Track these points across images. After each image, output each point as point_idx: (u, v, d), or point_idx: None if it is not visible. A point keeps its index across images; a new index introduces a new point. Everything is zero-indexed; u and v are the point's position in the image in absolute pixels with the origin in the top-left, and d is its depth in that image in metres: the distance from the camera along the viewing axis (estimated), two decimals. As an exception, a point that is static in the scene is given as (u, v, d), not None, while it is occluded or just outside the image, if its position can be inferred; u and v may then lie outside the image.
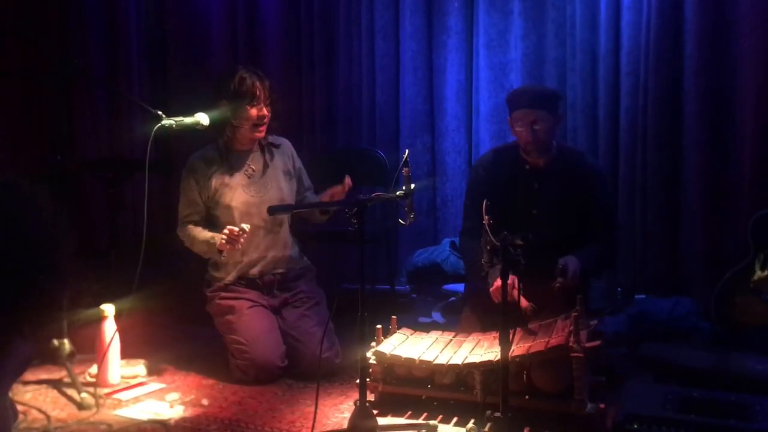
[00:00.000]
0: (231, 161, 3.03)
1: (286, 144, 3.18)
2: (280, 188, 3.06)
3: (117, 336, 2.88)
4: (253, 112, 2.95)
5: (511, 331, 2.56)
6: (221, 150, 3.03)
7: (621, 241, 3.23)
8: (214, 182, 3.01)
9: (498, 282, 2.72)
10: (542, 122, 2.86)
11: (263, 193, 3.03)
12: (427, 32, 4.23)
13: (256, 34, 4.60)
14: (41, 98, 4.62)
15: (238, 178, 3.02)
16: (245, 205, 3.00)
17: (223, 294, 3.03)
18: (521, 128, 2.88)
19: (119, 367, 2.92)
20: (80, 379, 2.83)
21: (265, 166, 3.06)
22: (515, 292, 2.66)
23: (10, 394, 0.96)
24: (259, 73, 3.00)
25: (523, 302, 2.68)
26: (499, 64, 4.06)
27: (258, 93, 2.94)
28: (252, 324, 2.94)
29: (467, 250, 3.09)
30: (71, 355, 2.84)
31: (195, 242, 2.97)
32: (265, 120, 2.99)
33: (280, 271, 3.07)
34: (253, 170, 3.05)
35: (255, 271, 3.03)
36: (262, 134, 3.02)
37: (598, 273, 3.06)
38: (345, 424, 2.35)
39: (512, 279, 2.70)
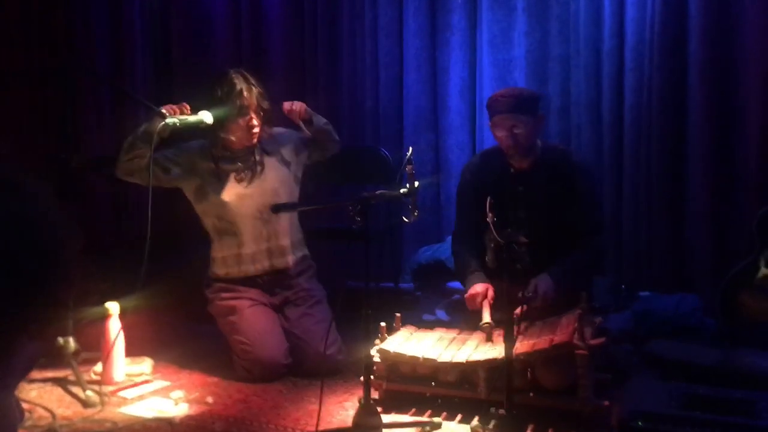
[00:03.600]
0: (224, 158, 3.00)
1: (278, 133, 3.11)
2: (276, 178, 3.03)
3: (122, 334, 2.89)
4: (242, 122, 2.90)
5: (516, 328, 2.58)
6: (215, 148, 2.99)
7: (604, 247, 3.18)
8: (202, 172, 2.98)
9: (472, 289, 2.77)
10: (522, 126, 2.84)
11: (257, 184, 3.00)
12: (431, 30, 4.22)
13: (259, 32, 4.60)
14: (47, 97, 4.63)
15: (231, 173, 2.99)
16: (239, 197, 2.98)
17: (224, 294, 3.02)
18: (501, 134, 2.88)
19: (124, 365, 2.93)
20: (85, 377, 2.84)
21: (260, 161, 3.02)
22: (484, 302, 2.69)
23: (16, 393, 0.97)
24: (249, 79, 2.92)
25: (487, 317, 2.65)
26: (503, 61, 4.05)
27: (246, 103, 2.88)
28: (254, 323, 2.95)
29: (454, 254, 3.11)
30: (76, 353, 2.85)
31: (132, 135, 2.84)
32: (255, 129, 2.94)
33: (281, 261, 3.05)
34: (246, 167, 3.01)
35: (256, 265, 3.02)
36: (254, 140, 2.97)
37: (580, 284, 3.01)
38: (349, 422, 2.35)
39: (485, 288, 2.73)
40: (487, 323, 2.63)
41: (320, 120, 3.08)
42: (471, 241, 2.93)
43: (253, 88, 2.92)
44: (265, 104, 2.96)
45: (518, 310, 2.61)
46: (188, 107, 2.83)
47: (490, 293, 2.75)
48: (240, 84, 2.89)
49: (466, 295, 2.80)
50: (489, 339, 2.62)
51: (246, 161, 3.01)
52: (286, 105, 3.01)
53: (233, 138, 2.94)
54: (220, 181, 2.98)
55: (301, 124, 3.04)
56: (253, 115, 2.92)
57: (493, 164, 3.02)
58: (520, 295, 2.63)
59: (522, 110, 2.85)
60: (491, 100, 2.94)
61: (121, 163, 2.89)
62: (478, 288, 2.77)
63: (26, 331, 0.86)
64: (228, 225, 3.00)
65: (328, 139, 3.14)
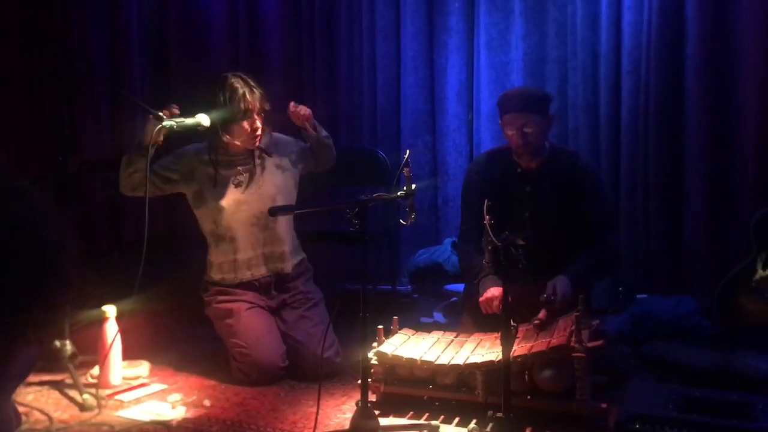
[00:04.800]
0: (222, 162, 2.99)
1: (276, 139, 3.11)
2: (273, 184, 3.03)
3: (119, 337, 2.88)
4: (246, 126, 2.90)
5: (537, 333, 2.58)
6: (214, 151, 2.98)
7: (618, 244, 3.19)
8: (200, 177, 2.97)
9: (487, 293, 2.75)
10: (533, 125, 2.84)
11: (255, 190, 2.99)
12: (428, 32, 4.23)
13: (257, 34, 4.61)
14: (44, 100, 4.63)
15: (229, 178, 2.98)
16: (236, 203, 2.97)
17: (220, 297, 3.01)
18: (512, 132, 2.87)
19: (121, 368, 2.93)
20: (82, 380, 2.83)
21: (259, 165, 3.02)
22: (500, 305, 2.68)
23: (13, 397, 0.96)
24: (249, 82, 2.91)
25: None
26: (500, 64, 4.06)
27: (249, 106, 2.87)
28: (251, 326, 2.94)
29: (462, 253, 3.11)
30: (73, 356, 2.84)
31: (128, 151, 2.85)
32: (258, 132, 2.93)
33: (278, 267, 3.05)
34: (245, 171, 3.00)
35: (252, 271, 3.01)
36: (257, 143, 2.97)
37: (594, 283, 3.01)
38: (347, 425, 2.36)
39: (501, 291, 2.72)
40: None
41: (323, 131, 3.08)
42: (478, 240, 2.92)
43: (255, 90, 2.91)
44: (267, 106, 2.96)
45: (541, 314, 2.61)
46: (177, 109, 2.83)
47: (503, 296, 2.71)
48: (241, 88, 2.88)
49: (481, 299, 2.76)
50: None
51: (245, 165, 3.01)
52: (293, 105, 2.99)
53: (237, 142, 2.93)
54: (218, 186, 2.97)
55: (306, 125, 3.02)
56: (257, 118, 2.92)
57: (500, 164, 3.01)
58: (541, 299, 2.63)
59: (533, 109, 2.86)
60: (502, 99, 2.94)
61: (122, 180, 2.90)
62: (495, 292, 2.73)
63: (23, 336, 0.85)
64: (224, 231, 2.99)
65: (325, 153, 3.13)
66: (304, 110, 2.99)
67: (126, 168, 2.87)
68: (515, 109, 2.85)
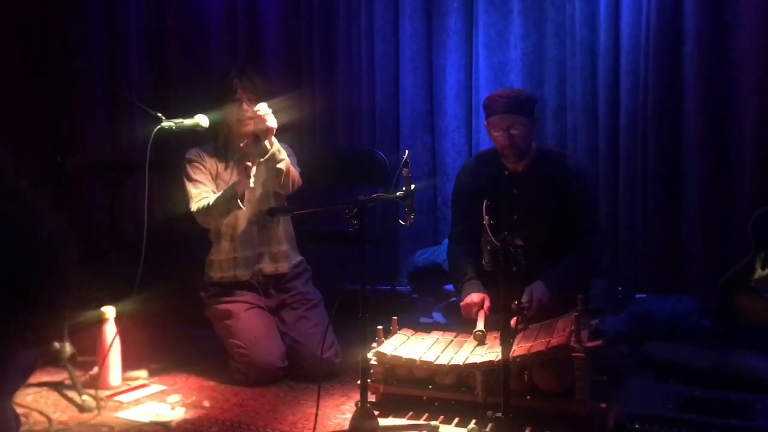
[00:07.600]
0: (226, 158, 3.03)
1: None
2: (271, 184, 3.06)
3: (118, 338, 2.88)
4: (234, 108, 2.94)
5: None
6: (217, 148, 3.03)
7: (601, 245, 3.16)
8: (213, 173, 3.03)
9: (468, 298, 2.79)
10: (519, 127, 2.84)
11: (255, 189, 3.01)
12: (427, 32, 4.23)
13: (255, 34, 4.61)
14: (42, 100, 4.63)
15: (232, 175, 3.02)
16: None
17: (220, 298, 3.03)
18: (498, 134, 2.88)
19: (120, 369, 2.93)
20: (81, 381, 2.83)
21: (257, 164, 3.04)
22: (480, 312, 2.70)
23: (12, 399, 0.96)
24: (246, 71, 3.00)
25: (481, 325, 2.66)
26: (499, 64, 4.06)
27: (236, 89, 2.93)
28: (250, 326, 2.95)
29: (451, 255, 3.12)
30: (72, 357, 2.84)
31: (214, 204, 2.87)
32: (247, 114, 2.94)
33: (275, 267, 3.06)
34: (246, 168, 3.03)
35: (251, 269, 3.02)
36: (249, 128, 2.97)
37: (576, 286, 2.99)
38: (346, 425, 2.35)
39: (481, 298, 2.74)
40: (480, 331, 2.64)
41: (279, 162, 2.88)
42: (467, 243, 2.94)
43: (244, 76, 2.97)
44: (258, 92, 2.96)
45: (512, 321, 2.61)
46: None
47: (486, 303, 2.76)
48: (233, 73, 2.97)
49: (461, 304, 2.82)
50: (482, 344, 2.62)
51: (252, 156, 3.04)
52: (262, 108, 2.81)
53: (231, 126, 2.97)
54: (223, 181, 3.02)
55: (266, 135, 2.85)
56: (244, 101, 2.94)
57: (488, 166, 3.02)
58: (513, 305, 2.63)
59: (519, 111, 2.86)
60: (488, 100, 2.94)
61: (212, 218, 2.92)
62: (474, 298, 2.78)
63: (23, 339, 0.85)
64: (226, 228, 3.02)
65: (278, 178, 2.92)
66: (263, 123, 2.80)
67: (224, 215, 2.91)
68: (501, 111, 2.85)
